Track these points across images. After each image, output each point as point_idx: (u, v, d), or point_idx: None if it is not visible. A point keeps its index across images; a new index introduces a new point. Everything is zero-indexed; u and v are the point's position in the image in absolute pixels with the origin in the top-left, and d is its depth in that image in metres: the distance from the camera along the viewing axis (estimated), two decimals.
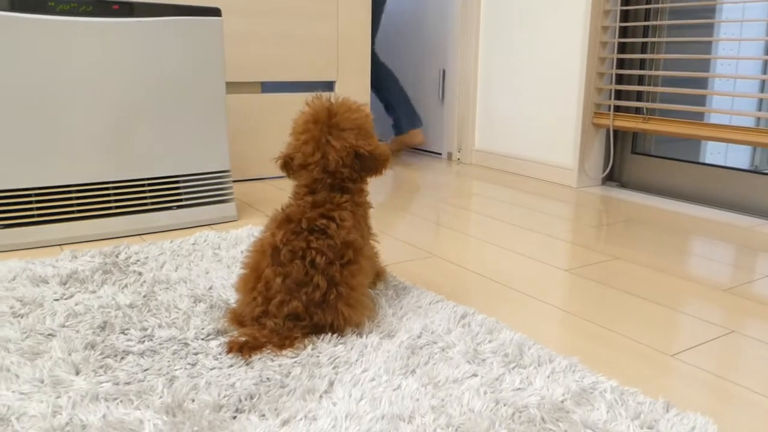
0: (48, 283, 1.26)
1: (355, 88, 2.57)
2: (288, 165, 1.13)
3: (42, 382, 0.88)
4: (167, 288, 1.25)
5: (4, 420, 0.80)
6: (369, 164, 1.11)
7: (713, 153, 2.30)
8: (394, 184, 2.45)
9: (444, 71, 3.00)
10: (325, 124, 1.07)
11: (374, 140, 1.13)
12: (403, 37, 3.28)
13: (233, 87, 2.30)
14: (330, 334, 1.04)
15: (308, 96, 1.12)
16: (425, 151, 3.25)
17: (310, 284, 1.01)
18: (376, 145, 1.12)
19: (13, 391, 0.86)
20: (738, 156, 2.24)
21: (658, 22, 2.27)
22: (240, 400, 0.85)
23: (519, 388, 0.90)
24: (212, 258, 1.44)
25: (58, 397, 0.85)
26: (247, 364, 0.95)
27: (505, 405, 0.85)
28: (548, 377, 0.93)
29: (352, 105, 1.11)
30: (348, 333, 1.05)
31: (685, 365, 1.02)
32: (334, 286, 1.02)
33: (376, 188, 2.30)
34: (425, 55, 3.14)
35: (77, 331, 1.04)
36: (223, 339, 1.03)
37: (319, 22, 2.43)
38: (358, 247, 1.07)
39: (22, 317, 1.09)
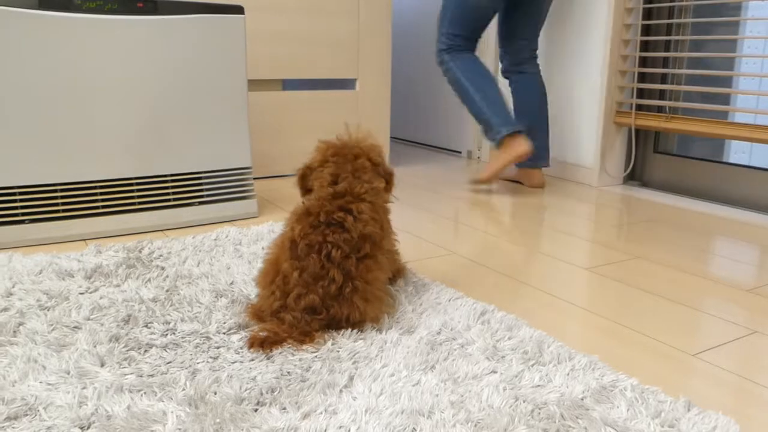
0: (73, 276, 1.28)
1: (375, 86, 2.57)
2: (306, 176, 1.17)
3: (68, 373, 0.90)
4: (189, 283, 1.26)
5: (32, 410, 0.81)
6: (380, 174, 1.18)
7: (737, 152, 2.28)
8: (415, 182, 2.45)
9: None
10: (345, 144, 1.16)
11: (384, 161, 1.21)
12: (424, 35, 3.28)
13: (255, 84, 2.32)
14: (350, 329, 1.04)
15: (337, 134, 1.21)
16: (445, 149, 3.25)
17: (326, 278, 1.03)
18: (384, 162, 1.21)
19: (41, 382, 0.88)
20: (763, 155, 2.21)
21: (682, 20, 2.25)
22: (261, 393, 0.86)
23: (538, 385, 0.90)
24: (233, 254, 1.45)
25: (84, 388, 0.86)
26: (268, 359, 0.96)
27: (524, 401, 0.85)
28: (568, 375, 0.92)
29: (371, 138, 1.20)
30: (367, 329, 1.06)
31: (707, 365, 1.01)
32: (350, 279, 1.04)
33: (397, 188, 2.30)
34: None
35: (102, 324, 1.06)
36: (244, 333, 1.04)
37: (341, 20, 2.44)
38: (375, 240, 1.08)
39: (48, 310, 1.11)
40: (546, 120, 2.36)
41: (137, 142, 1.64)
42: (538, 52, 2.41)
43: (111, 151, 1.61)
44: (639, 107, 2.36)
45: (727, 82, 2.26)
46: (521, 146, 2.13)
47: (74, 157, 1.57)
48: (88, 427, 0.78)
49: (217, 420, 0.79)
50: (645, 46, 2.36)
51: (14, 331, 1.03)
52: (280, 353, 0.97)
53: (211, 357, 0.97)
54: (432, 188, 2.35)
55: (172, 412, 0.81)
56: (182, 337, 1.02)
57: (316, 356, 0.97)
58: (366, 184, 1.11)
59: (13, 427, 0.78)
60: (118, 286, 1.24)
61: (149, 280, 1.27)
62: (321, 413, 0.82)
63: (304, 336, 1.01)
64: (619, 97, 2.40)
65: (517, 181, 2.47)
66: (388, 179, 1.20)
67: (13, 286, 1.22)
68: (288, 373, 0.92)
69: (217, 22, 1.70)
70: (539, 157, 2.33)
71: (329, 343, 1.00)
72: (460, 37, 2.25)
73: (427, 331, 1.05)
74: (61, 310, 1.11)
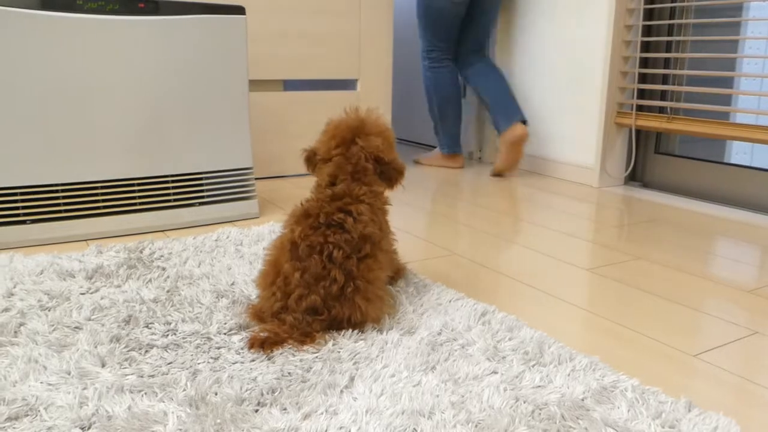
0: (74, 277, 1.28)
1: (377, 86, 2.57)
2: (311, 159, 1.19)
3: (69, 373, 0.90)
4: (190, 283, 1.26)
5: (33, 410, 0.81)
6: (386, 172, 1.18)
7: (738, 153, 2.28)
8: (416, 182, 2.45)
9: None
10: (354, 130, 1.15)
11: (395, 154, 1.20)
12: None
13: (256, 85, 2.32)
14: (350, 330, 1.05)
15: (346, 105, 1.21)
16: None
17: (328, 278, 1.03)
18: (396, 157, 1.20)
19: (41, 382, 0.88)
20: (764, 156, 2.21)
21: (683, 21, 2.25)
22: (262, 394, 0.86)
23: (539, 386, 0.90)
24: (234, 254, 1.45)
25: (85, 388, 0.86)
26: (269, 359, 0.96)
27: (525, 402, 0.85)
28: (568, 375, 0.92)
29: (380, 120, 1.20)
30: (368, 329, 1.06)
31: (708, 365, 1.01)
32: (351, 279, 1.04)
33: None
34: None
35: (103, 325, 1.06)
36: (245, 334, 1.04)
37: (342, 20, 2.44)
38: (375, 240, 1.09)
39: (49, 310, 1.12)
40: (506, 86, 2.62)
41: (138, 142, 1.64)
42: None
43: (112, 152, 1.61)
44: (640, 108, 2.36)
45: (728, 82, 2.26)
46: (456, 162, 2.83)
47: (75, 157, 1.57)
48: (89, 428, 0.78)
49: (218, 420, 0.79)
50: (646, 46, 2.36)
51: (15, 332, 1.03)
52: (280, 354, 0.97)
53: (211, 357, 0.97)
54: (432, 188, 2.35)
55: (172, 412, 0.81)
56: (183, 338, 1.03)
57: (316, 357, 0.97)
58: (365, 187, 1.12)
59: (14, 428, 0.78)
60: (119, 286, 1.24)
61: (150, 280, 1.27)
62: (322, 414, 0.82)
63: (304, 336, 1.01)
64: (620, 97, 2.40)
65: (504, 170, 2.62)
66: (398, 175, 1.20)
67: (15, 287, 1.22)
68: (289, 373, 0.92)
69: (218, 23, 1.70)
70: (512, 114, 2.56)
71: (330, 344, 1.00)
72: (441, 40, 2.65)
73: (427, 331, 1.05)
74: (62, 310, 1.11)
